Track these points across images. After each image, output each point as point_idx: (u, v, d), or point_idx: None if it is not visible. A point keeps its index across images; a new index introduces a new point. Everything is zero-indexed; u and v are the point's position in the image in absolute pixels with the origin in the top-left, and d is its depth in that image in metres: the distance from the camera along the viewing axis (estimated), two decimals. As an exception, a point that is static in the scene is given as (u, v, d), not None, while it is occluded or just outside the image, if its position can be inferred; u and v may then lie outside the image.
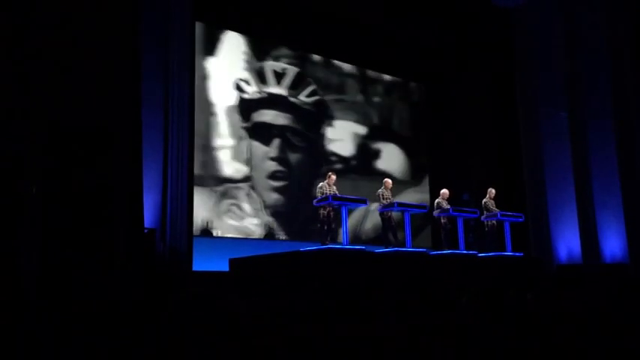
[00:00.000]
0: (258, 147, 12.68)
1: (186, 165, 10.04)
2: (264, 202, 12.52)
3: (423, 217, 14.03)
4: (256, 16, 12.25)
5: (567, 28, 12.50)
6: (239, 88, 12.60)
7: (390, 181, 10.14)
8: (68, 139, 7.12)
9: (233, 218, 11.91)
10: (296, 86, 13.52)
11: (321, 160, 13.69)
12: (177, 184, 9.74)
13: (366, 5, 12.69)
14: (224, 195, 11.84)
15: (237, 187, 12.15)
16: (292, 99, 13.44)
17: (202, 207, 11.26)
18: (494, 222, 10.77)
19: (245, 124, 12.52)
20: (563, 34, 12.56)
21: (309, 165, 13.40)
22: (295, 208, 12.81)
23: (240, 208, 12.11)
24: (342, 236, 8.96)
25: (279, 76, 13.32)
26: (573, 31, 12.41)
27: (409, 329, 4.19)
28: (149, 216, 9.05)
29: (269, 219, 12.48)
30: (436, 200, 10.62)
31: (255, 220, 12.26)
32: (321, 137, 13.87)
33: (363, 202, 9.11)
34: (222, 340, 3.97)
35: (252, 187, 12.41)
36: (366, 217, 13.70)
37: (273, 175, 12.79)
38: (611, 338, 4.12)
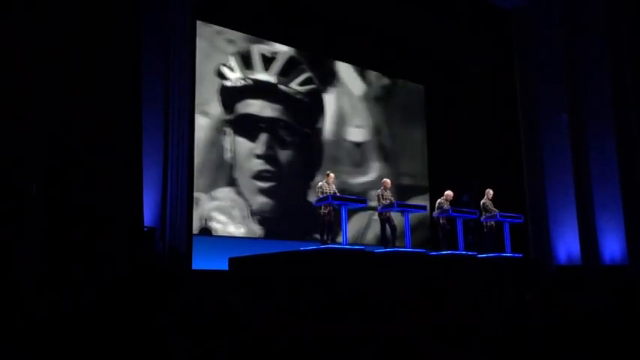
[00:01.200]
0: (242, 143, 11.57)
1: (186, 164, 10.04)
2: (249, 206, 11.39)
3: (424, 227, 14.01)
4: (256, 16, 12.20)
5: (567, 28, 12.51)
6: (220, 75, 11.55)
7: (388, 180, 10.14)
8: (68, 138, 7.13)
9: (215, 227, 11.01)
10: (287, 73, 12.37)
11: (315, 157, 12.48)
12: (177, 183, 9.75)
13: (366, 5, 12.68)
14: (199, 200, 10.81)
15: (216, 191, 11.09)
16: (283, 87, 12.23)
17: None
18: (492, 223, 10.76)
19: (227, 117, 11.50)
20: (563, 34, 12.57)
21: (301, 164, 12.29)
22: (285, 213, 11.78)
23: (222, 214, 11.14)
24: (341, 236, 8.96)
25: (267, 61, 12.06)
26: (573, 31, 12.42)
27: (408, 329, 4.20)
28: (149, 215, 9.07)
29: (256, 227, 11.46)
30: (438, 200, 10.62)
31: (241, 229, 11.29)
32: (317, 132, 12.72)
33: (363, 202, 9.13)
34: (221, 340, 3.98)
35: (237, 191, 11.34)
36: (369, 224, 13.05)
37: (259, 176, 11.67)
38: (611, 339, 4.13)
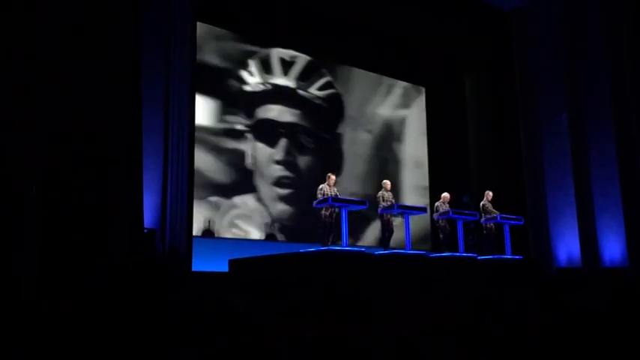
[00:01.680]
0: (261, 148, 11.57)
1: (187, 165, 10.01)
2: (270, 214, 11.37)
3: (424, 229, 13.95)
4: (257, 17, 12.17)
5: (567, 28, 12.50)
6: (239, 79, 11.62)
7: (388, 182, 10.12)
8: (68, 139, 7.12)
9: (233, 234, 10.98)
10: (307, 77, 12.38)
11: (335, 163, 12.34)
12: (177, 184, 9.72)
13: (366, 5, 12.66)
14: (218, 207, 10.79)
15: (237, 198, 11.10)
16: (302, 92, 12.28)
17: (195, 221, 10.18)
18: (492, 225, 10.73)
19: (247, 122, 11.58)
20: (562, 34, 12.57)
21: (321, 170, 12.09)
22: (304, 219, 11.64)
23: (241, 220, 11.10)
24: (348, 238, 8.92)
25: (286, 65, 12.13)
26: (573, 31, 12.41)
27: (409, 330, 4.20)
28: (149, 216, 9.05)
29: (275, 232, 11.44)
30: (436, 203, 10.63)
31: (260, 236, 11.34)
32: (337, 137, 12.64)
33: (363, 203, 9.11)
34: (221, 341, 3.98)
35: (257, 197, 11.31)
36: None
37: (278, 182, 11.67)
38: (611, 340, 4.13)
